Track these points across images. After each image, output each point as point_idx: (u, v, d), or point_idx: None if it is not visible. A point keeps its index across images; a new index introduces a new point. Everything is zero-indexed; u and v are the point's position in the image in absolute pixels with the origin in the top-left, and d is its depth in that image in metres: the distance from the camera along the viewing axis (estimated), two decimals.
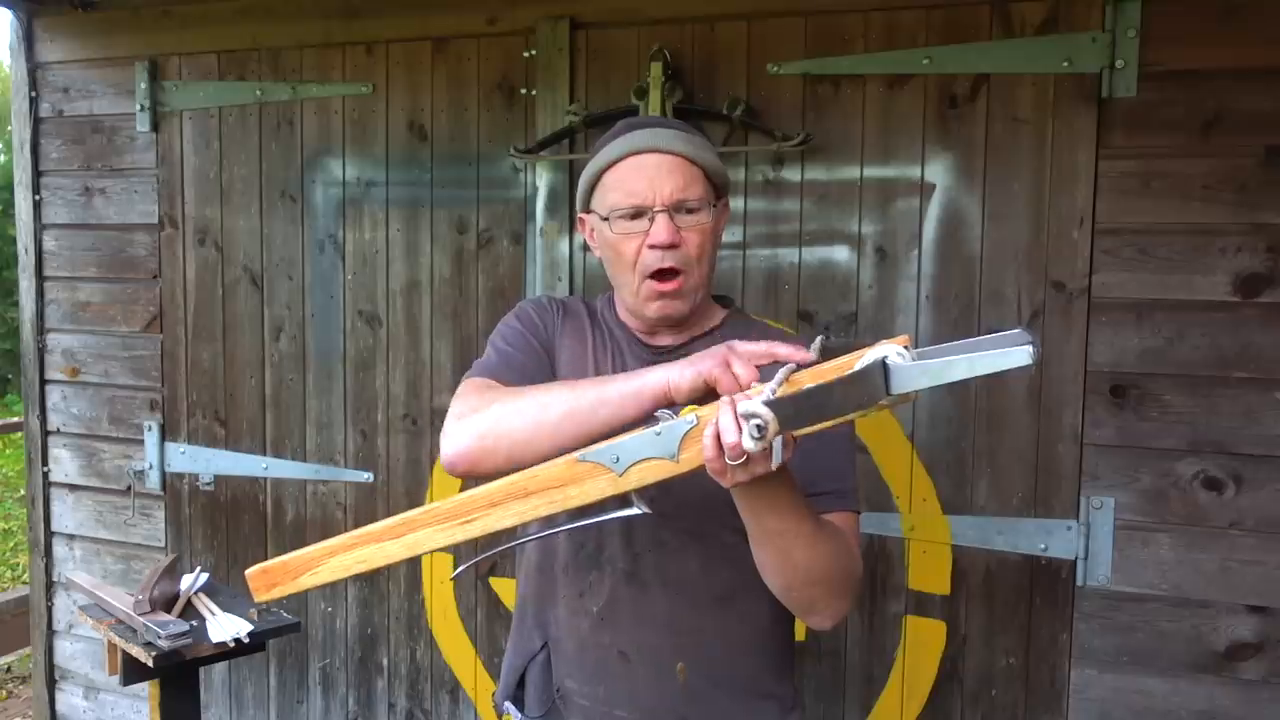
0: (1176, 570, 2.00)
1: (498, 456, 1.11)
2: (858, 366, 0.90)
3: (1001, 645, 2.13)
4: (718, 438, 0.94)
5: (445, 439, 1.15)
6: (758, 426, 0.90)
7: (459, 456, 1.13)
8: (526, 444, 1.09)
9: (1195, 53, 1.92)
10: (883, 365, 0.88)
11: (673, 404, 1.04)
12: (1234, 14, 1.90)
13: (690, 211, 1.23)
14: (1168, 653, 2.02)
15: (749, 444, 0.91)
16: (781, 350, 0.99)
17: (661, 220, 1.21)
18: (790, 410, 0.91)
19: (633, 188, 1.23)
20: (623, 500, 1.02)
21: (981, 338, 0.89)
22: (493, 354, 1.31)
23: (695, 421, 0.96)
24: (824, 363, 0.95)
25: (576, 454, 1.01)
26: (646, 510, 1.02)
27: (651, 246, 1.22)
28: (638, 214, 1.23)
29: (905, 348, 0.89)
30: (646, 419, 1.02)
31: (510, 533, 1.08)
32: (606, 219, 1.26)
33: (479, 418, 1.13)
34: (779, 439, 0.91)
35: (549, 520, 1.05)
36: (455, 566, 2.53)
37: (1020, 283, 2.06)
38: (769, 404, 0.90)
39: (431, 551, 1.08)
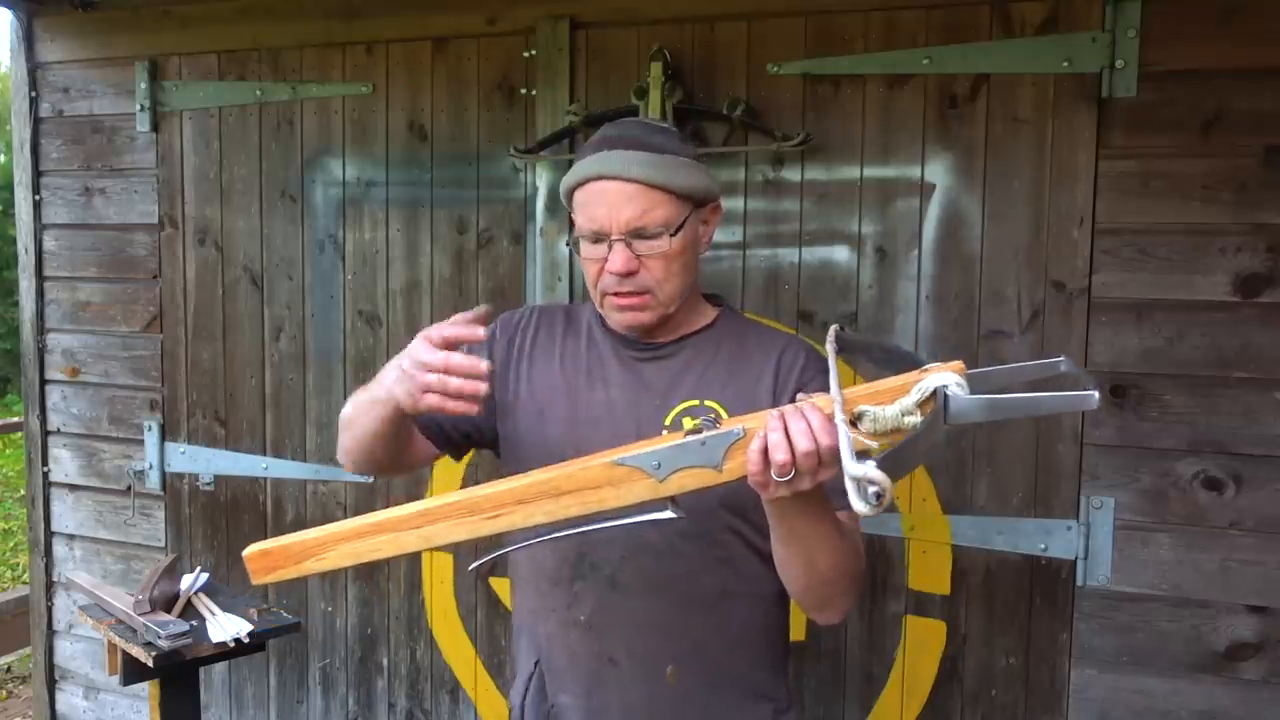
0: (1176, 570, 2.00)
1: (347, 458, 1.31)
2: (915, 394, 0.90)
3: (1001, 645, 2.13)
4: (764, 451, 0.94)
5: None
6: (876, 494, 0.86)
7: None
8: (350, 446, 1.29)
9: (1195, 53, 1.92)
10: (944, 396, 0.88)
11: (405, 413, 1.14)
12: (1234, 14, 1.90)
13: (650, 238, 1.22)
14: (1168, 653, 2.02)
15: (862, 508, 0.86)
16: (450, 332, 1.09)
17: (618, 249, 1.22)
18: (891, 466, 0.88)
19: (593, 213, 1.24)
20: (651, 503, 1.00)
21: (1026, 364, 0.92)
22: None
23: (742, 434, 0.95)
24: (880, 381, 0.94)
25: (615, 457, 0.98)
26: (682, 515, 1.01)
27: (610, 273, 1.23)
28: (598, 239, 1.24)
29: (963, 377, 0.89)
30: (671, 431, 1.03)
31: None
32: (577, 238, 1.28)
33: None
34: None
35: (577, 520, 1.02)
36: (454, 565, 2.53)
37: (1020, 282, 2.06)
38: (881, 465, 0.87)
39: (446, 545, 1.04)
